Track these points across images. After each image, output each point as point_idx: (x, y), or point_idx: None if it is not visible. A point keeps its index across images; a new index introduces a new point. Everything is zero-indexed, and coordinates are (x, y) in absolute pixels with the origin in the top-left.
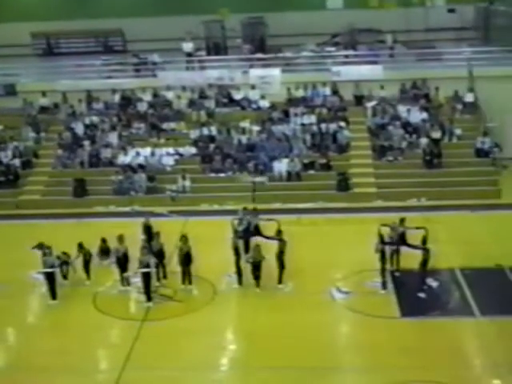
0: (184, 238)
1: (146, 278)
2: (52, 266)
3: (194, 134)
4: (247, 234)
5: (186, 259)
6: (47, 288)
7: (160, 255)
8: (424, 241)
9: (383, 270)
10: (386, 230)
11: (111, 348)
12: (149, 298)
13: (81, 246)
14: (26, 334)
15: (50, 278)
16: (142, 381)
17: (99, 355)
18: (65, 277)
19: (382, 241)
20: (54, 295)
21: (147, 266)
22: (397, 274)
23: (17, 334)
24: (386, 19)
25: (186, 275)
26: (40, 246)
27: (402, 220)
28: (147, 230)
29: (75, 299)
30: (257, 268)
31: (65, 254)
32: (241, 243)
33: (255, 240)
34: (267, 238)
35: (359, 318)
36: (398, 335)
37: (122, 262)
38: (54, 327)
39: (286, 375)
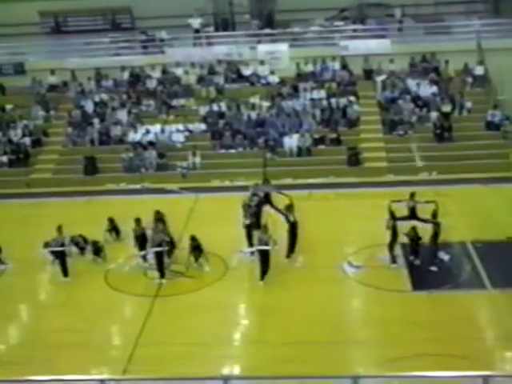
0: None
1: (159, 255)
2: (62, 245)
3: (203, 110)
4: (259, 206)
5: (142, 240)
6: (59, 265)
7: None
8: (434, 215)
9: (392, 245)
10: (396, 206)
11: (124, 324)
12: (162, 275)
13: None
14: (39, 312)
15: (61, 256)
16: (155, 357)
17: (112, 331)
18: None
19: (392, 217)
20: (65, 272)
21: (160, 244)
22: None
23: (30, 312)
24: None
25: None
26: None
27: (413, 194)
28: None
29: (87, 276)
30: (265, 257)
31: (81, 236)
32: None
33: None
34: (277, 209)
35: (371, 292)
36: (410, 309)
37: (141, 242)
38: (67, 304)
39: (299, 350)
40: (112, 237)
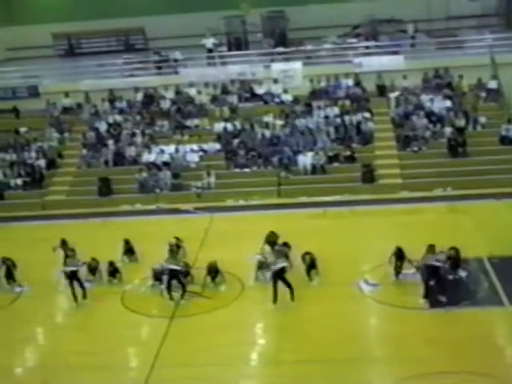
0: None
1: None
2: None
3: (217, 129)
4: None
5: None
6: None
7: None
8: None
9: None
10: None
11: (140, 345)
12: (170, 297)
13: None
14: (55, 334)
15: (71, 278)
16: (172, 378)
17: (128, 353)
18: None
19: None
20: (74, 298)
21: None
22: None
23: (46, 334)
24: (406, 9)
25: None
26: (63, 243)
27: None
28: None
29: (103, 298)
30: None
31: (94, 260)
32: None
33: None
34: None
35: (387, 309)
36: (427, 326)
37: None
38: (83, 326)
39: (315, 369)
40: (128, 258)
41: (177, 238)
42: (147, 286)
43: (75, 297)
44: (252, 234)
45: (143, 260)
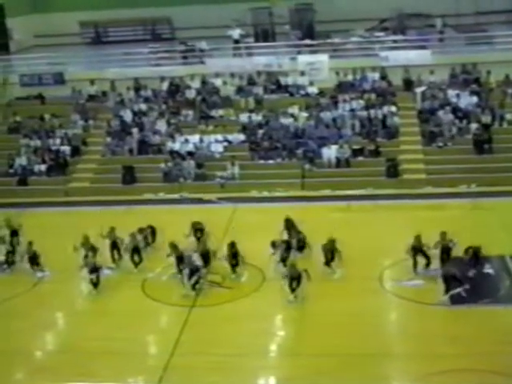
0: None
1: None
2: (93, 270)
3: (242, 120)
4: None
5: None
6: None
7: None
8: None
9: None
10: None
11: (160, 333)
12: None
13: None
14: (76, 319)
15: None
16: (191, 366)
17: (148, 340)
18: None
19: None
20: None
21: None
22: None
23: (67, 319)
24: (435, 3)
25: None
26: (86, 240)
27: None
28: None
29: (124, 285)
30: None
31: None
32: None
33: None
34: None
35: (408, 305)
36: (448, 323)
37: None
38: (104, 313)
39: (335, 362)
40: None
41: (197, 223)
42: (169, 275)
43: (95, 284)
44: (275, 225)
45: (164, 249)
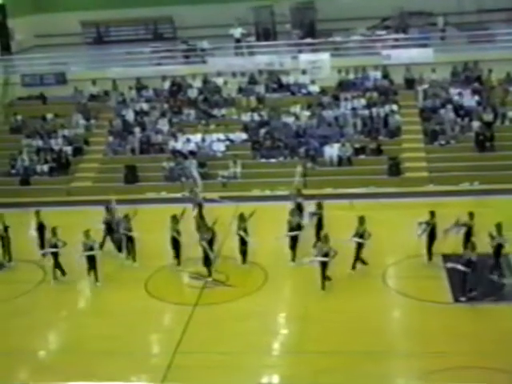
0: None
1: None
2: (91, 249)
3: (244, 119)
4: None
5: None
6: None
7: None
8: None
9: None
10: None
11: (163, 332)
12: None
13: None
14: (79, 318)
15: (91, 260)
16: (194, 365)
17: (151, 339)
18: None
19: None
20: (96, 278)
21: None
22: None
23: (70, 318)
24: (437, 1)
25: None
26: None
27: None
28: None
29: (127, 284)
30: (324, 267)
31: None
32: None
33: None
34: None
35: (412, 303)
36: (452, 321)
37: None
38: (107, 311)
39: (338, 360)
40: None
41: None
42: (171, 274)
43: (96, 277)
44: (277, 224)
45: (167, 247)
